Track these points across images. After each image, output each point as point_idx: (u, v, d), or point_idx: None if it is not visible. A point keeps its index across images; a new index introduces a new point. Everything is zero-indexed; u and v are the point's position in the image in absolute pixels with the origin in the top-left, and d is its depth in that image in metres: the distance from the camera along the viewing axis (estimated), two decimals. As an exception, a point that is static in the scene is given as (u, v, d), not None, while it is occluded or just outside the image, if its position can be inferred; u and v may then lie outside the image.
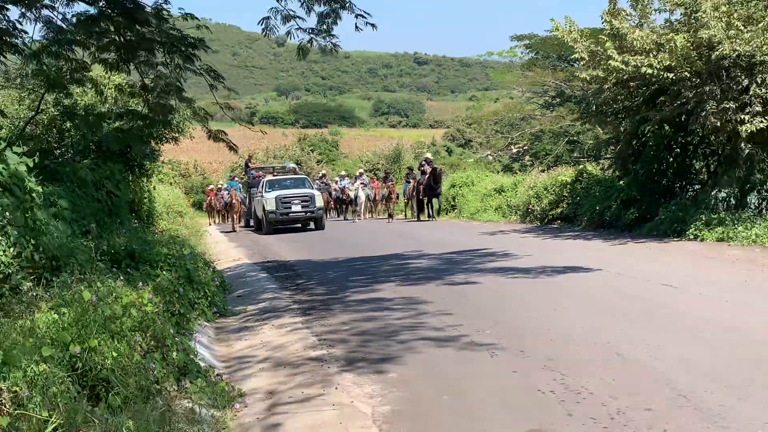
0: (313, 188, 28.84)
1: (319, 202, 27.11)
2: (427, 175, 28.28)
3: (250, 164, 33.58)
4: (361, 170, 40.55)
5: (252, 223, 30.60)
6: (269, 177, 29.65)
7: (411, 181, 30.86)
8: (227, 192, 31.93)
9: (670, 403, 5.41)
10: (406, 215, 32.57)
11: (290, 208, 25.94)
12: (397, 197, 33.30)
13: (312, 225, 27.29)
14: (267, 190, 27.04)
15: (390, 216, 31.85)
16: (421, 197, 29.27)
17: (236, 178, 36.28)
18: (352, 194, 34.72)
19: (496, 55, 37.70)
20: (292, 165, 35.69)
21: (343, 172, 40.33)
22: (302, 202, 26.14)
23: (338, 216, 37.17)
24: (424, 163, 30.16)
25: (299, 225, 27.44)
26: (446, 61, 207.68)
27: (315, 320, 9.57)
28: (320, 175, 40.16)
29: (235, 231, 28.81)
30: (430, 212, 29.15)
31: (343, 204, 36.33)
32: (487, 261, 14.07)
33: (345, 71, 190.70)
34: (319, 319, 9.65)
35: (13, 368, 4.42)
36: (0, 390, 4.18)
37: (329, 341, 8.31)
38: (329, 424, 5.57)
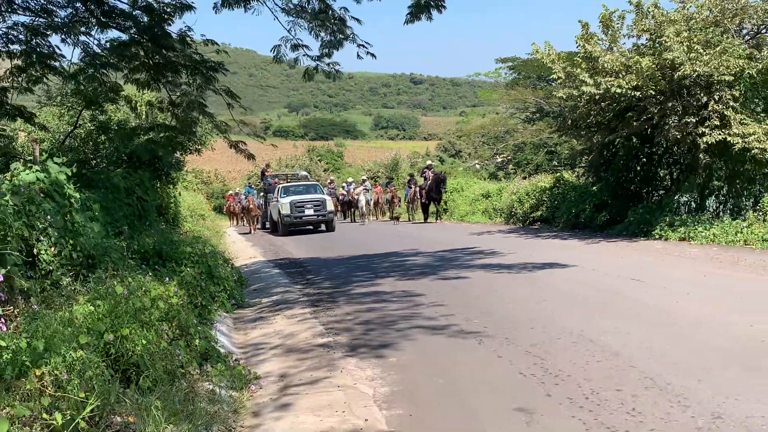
0: (324, 194, 28.21)
1: (330, 206, 26.62)
2: (429, 181, 27.76)
3: (266, 172, 33.31)
4: (364, 177, 40.33)
5: (268, 225, 30.27)
6: (284, 183, 29.24)
7: (412, 186, 30.38)
8: (245, 197, 31.77)
9: (638, 384, 5.41)
10: (409, 218, 31.49)
11: (304, 212, 25.53)
12: (399, 201, 32.97)
13: (323, 227, 26.86)
14: (282, 195, 26.66)
15: (396, 218, 31.12)
16: (424, 201, 28.62)
17: (253, 185, 36.06)
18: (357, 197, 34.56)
19: (483, 75, 37.76)
20: (304, 173, 35.33)
21: (350, 179, 39.91)
22: (314, 206, 25.74)
23: (344, 219, 36.87)
24: (426, 169, 29.60)
25: (311, 227, 27.06)
26: (439, 80, 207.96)
27: (322, 311, 9.57)
28: (329, 181, 39.84)
29: (252, 233, 28.65)
30: (428, 215, 28.62)
31: (349, 208, 35.94)
32: (475, 258, 14.07)
33: (349, 90, 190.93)
34: (325, 310, 9.65)
35: (54, 354, 4.42)
36: (42, 374, 4.18)
37: (335, 330, 8.31)
38: (335, 403, 5.57)
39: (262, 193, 32.49)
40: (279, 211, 26.09)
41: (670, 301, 8.55)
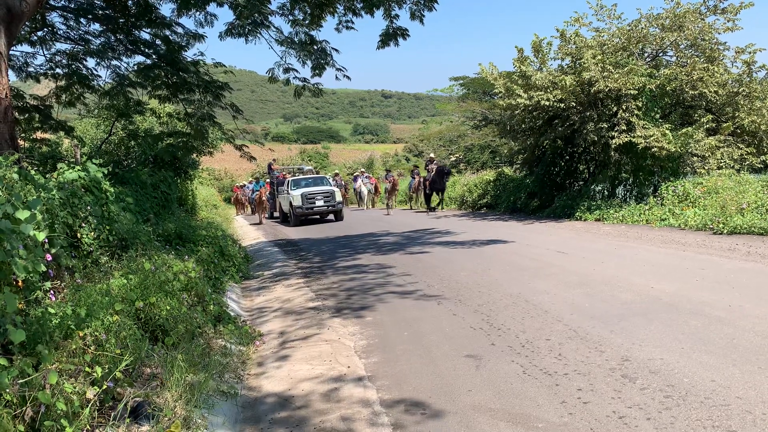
0: (332, 185, 24.29)
1: (339, 197, 23.02)
2: (432, 172, 24.00)
3: (272, 166, 31.34)
4: (362, 169, 38.63)
5: (276, 215, 27.21)
6: (293, 177, 25.42)
7: (416, 177, 26.70)
8: (256, 191, 28.68)
9: (563, 334, 5.47)
10: (411, 206, 27.83)
11: (314, 203, 22.24)
12: (397, 190, 28.92)
13: (332, 217, 23.40)
14: (293, 188, 23.22)
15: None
16: (427, 191, 24.70)
17: (262, 179, 33.36)
18: (357, 189, 31.76)
19: (440, 91, 37.26)
20: (309, 167, 32.83)
21: (337, 172, 38.00)
22: (324, 197, 22.39)
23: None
24: (428, 162, 25.56)
25: (318, 216, 23.53)
26: (404, 95, 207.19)
27: (313, 281, 9.55)
28: (334, 173, 37.56)
29: (261, 223, 25.59)
30: (433, 205, 24.98)
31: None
32: (435, 237, 14.10)
33: (333, 103, 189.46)
34: (316, 280, 9.63)
35: (94, 319, 4.36)
36: (85, 335, 4.12)
37: (323, 295, 8.30)
38: (324, 354, 5.57)
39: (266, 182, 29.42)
40: (290, 203, 22.73)
41: (588, 268, 8.65)
